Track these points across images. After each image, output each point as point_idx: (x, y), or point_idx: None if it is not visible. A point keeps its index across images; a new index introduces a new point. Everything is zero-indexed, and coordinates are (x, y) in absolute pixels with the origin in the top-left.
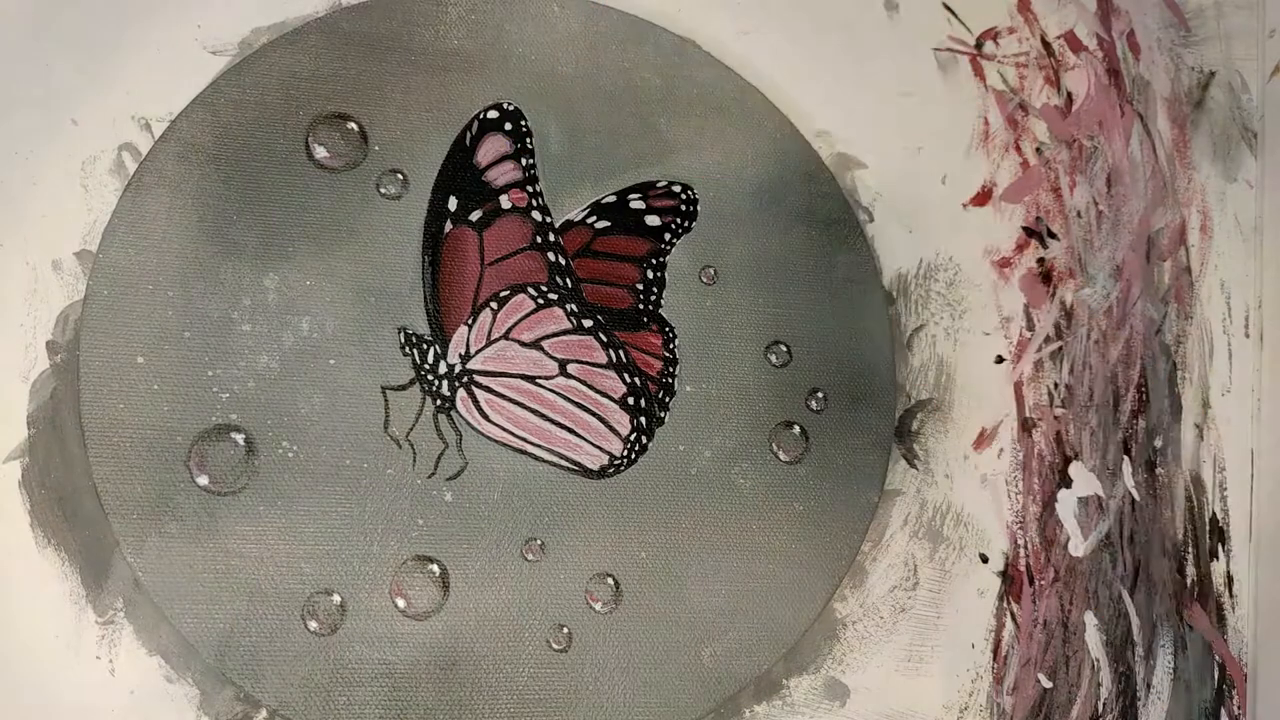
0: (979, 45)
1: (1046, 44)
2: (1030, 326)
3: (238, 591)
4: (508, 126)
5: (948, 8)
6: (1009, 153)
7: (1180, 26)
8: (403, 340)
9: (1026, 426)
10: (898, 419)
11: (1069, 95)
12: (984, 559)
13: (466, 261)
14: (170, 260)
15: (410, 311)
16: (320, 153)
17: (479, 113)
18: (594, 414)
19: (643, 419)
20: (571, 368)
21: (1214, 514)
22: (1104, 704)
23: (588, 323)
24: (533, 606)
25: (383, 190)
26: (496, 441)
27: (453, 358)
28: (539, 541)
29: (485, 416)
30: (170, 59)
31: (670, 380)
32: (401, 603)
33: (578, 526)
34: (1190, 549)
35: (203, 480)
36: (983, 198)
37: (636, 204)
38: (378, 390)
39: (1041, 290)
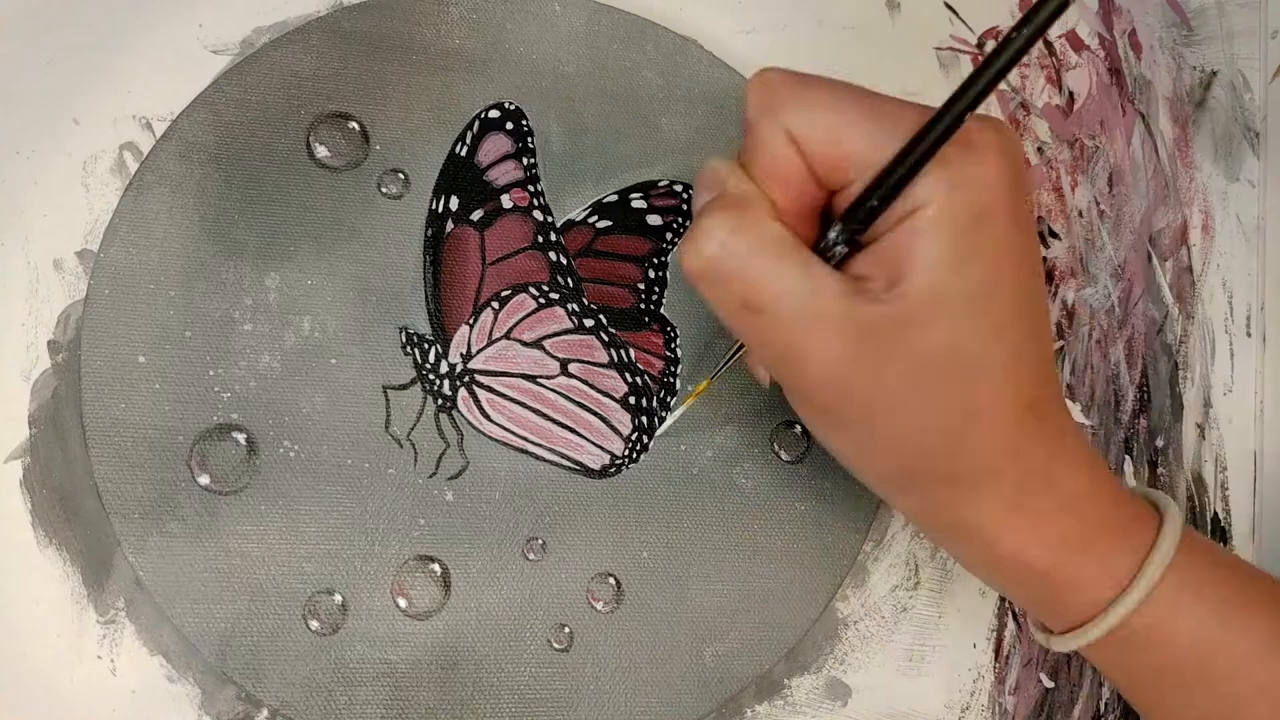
0: (981, 45)
1: (1048, 43)
2: None
3: (239, 591)
4: (509, 126)
5: (949, 7)
6: None
7: (1182, 26)
8: (404, 340)
9: None
10: None
11: (1070, 95)
12: None
13: (468, 261)
14: (172, 260)
15: (411, 311)
16: (322, 152)
17: (480, 112)
18: (595, 413)
19: (644, 418)
20: (573, 367)
21: (1216, 513)
22: (1106, 704)
23: (589, 322)
24: (534, 606)
25: (384, 190)
26: (498, 441)
27: (454, 357)
28: (540, 541)
29: (486, 416)
30: (171, 58)
31: (672, 380)
32: (403, 602)
33: (579, 526)
34: None
35: (204, 479)
36: None
37: (638, 203)
38: (379, 390)
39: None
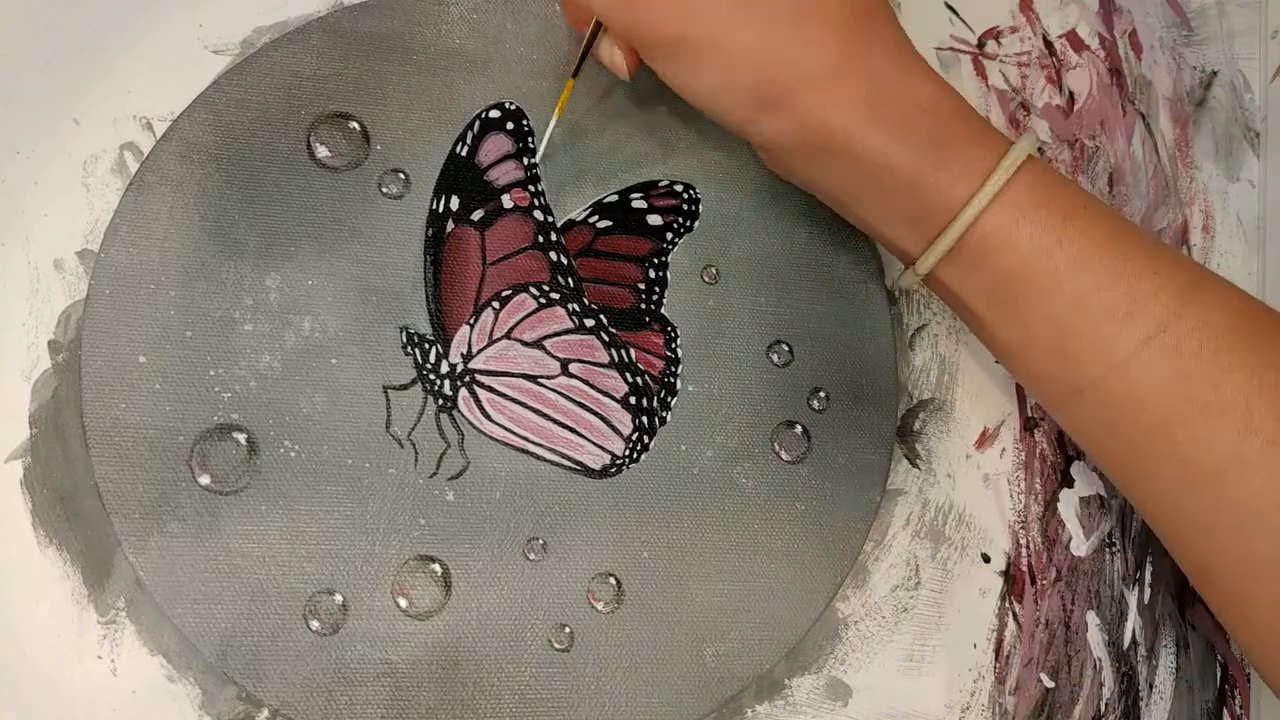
0: (981, 44)
1: (1048, 43)
2: None
3: (240, 591)
4: (510, 126)
5: (950, 7)
6: None
7: (1183, 26)
8: (404, 340)
9: (1028, 426)
10: (900, 419)
11: (1071, 95)
12: (986, 559)
13: (468, 261)
14: (172, 260)
15: (412, 311)
16: (322, 152)
17: (481, 112)
18: (596, 413)
19: (645, 418)
20: (573, 367)
21: None
22: (1106, 704)
23: (590, 322)
24: (535, 606)
25: (385, 190)
26: (498, 441)
27: (454, 357)
28: (541, 541)
29: (487, 416)
30: (172, 58)
31: (672, 380)
32: (403, 602)
33: (580, 526)
34: None
35: (205, 480)
36: None
37: (638, 203)
38: (379, 390)
39: None
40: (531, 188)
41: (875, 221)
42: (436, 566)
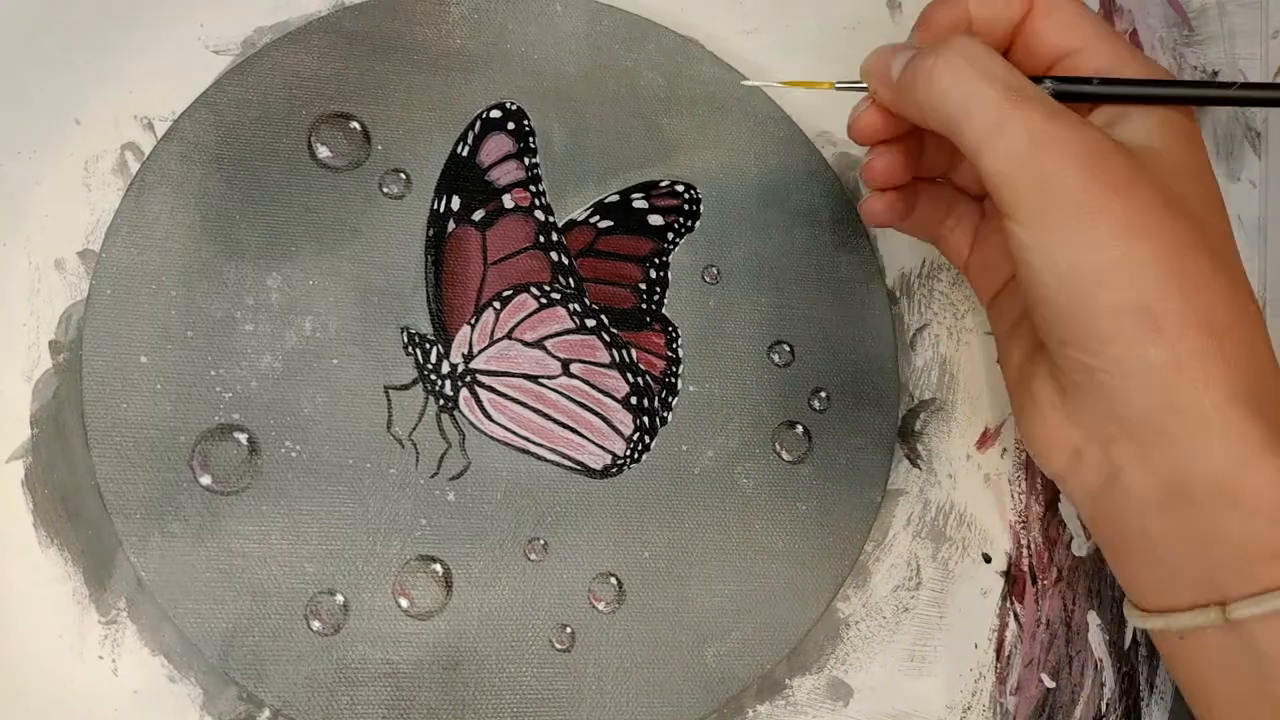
0: None
1: None
2: None
3: (241, 591)
4: (510, 126)
5: None
6: None
7: (1184, 26)
8: (405, 340)
9: None
10: (901, 419)
11: None
12: (987, 559)
13: (469, 261)
14: (173, 260)
15: (413, 311)
16: (323, 152)
17: (482, 112)
18: (597, 413)
19: (646, 418)
20: (574, 367)
21: None
22: (1107, 704)
23: (591, 322)
24: (536, 606)
25: (385, 190)
26: (499, 441)
27: (455, 357)
28: (542, 541)
29: (488, 416)
30: (173, 58)
31: (673, 380)
32: (404, 602)
33: (581, 526)
34: None
35: (206, 480)
36: None
37: (639, 203)
38: (380, 390)
39: None
40: (532, 188)
41: (1139, 551)
42: (438, 566)
